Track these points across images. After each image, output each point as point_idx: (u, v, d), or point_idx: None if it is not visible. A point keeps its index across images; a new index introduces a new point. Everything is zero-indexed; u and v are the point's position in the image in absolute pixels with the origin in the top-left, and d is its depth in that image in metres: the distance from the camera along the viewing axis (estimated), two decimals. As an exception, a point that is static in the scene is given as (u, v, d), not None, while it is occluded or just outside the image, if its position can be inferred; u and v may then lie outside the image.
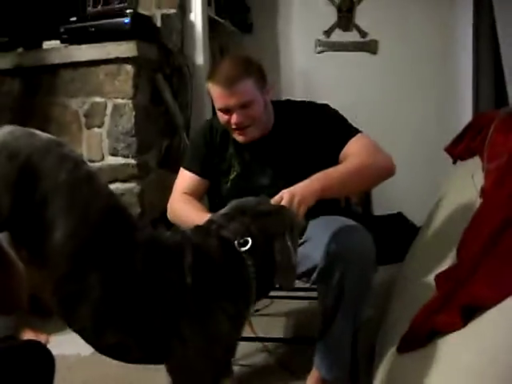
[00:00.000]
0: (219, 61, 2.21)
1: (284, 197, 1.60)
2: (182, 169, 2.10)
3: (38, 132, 1.30)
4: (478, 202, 1.78)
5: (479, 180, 1.90)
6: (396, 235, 3.45)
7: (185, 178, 2.07)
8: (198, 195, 2.04)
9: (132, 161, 2.82)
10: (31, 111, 2.93)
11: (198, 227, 1.46)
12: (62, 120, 2.89)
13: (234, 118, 1.88)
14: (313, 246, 1.83)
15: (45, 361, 1.78)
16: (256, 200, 1.51)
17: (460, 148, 2.49)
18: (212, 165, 2.05)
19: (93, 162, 2.85)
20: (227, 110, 1.89)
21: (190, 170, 2.07)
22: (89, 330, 1.28)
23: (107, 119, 2.84)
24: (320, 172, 1.74)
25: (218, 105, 1.91)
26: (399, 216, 3.85)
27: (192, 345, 1.27)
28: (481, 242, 1.46)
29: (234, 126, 1.91)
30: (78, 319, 1.26)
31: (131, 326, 1.26)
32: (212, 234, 1.38)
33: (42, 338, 2.39)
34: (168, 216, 2.05)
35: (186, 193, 2.03)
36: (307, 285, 1.92)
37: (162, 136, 3.09)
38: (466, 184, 2.05)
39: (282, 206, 1.53)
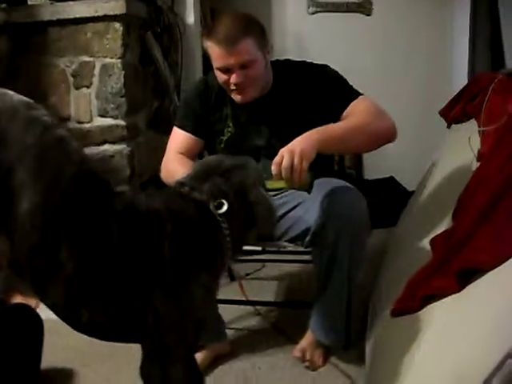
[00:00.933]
0: (218, 18, 2.06)
1: (284, 156, 1.56)
2: (175, 127, 2.04)
3: (9, 92, 1.21)
4: (475, 165, 1.75)
5: (476, 143, 1.87)
6: (387, 199, 3.44)
7: (178, 137, 2.01)
8: (192, 155, 1.99)
9: (121, 122, 2.76)
10: (18, 70, 2.85)
11: (168, 190, 1.39)
12: (49, 80, 2.82)
13: (234, 78, 1.82)
14: (305, 209, 1.81)
15: (33, 324, 1.77)
16: (218, 157, 1.46)
17: (455, 111, 2.45)
18: (206, 124, 2.00)
19: (81, 123, 2.79)
20: (226, 70, 1.83)
21: (184, 129, 2.00)
22: (61, 306, 1.21)
23: (96, 79, 2.77)
24: (319, 127, 1.70)
25: (216, 64, 1.84)
26: (391, 180, 3.83)
27: (166, 319, 1.22)
28: (479, 204, 1.43)
29: (233, 86, 1.86)
30: (50, 295, 1.19)
31: (105, 303, 1.19)
32: (186, 198, 1.31)
33: (31, 302, 2.36)
34: (162, 176, 1.99)
35: (180, 153, 1.97)
36: (299, 248, 1.91)
37: (152, 97, 3.03)
38: (462, 147, 2.02)
39: (247, 158, 1.47)
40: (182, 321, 1.24)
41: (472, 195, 1.55)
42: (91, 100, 2.79)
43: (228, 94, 1.92)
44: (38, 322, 1.79)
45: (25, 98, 1.22)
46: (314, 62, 1.99)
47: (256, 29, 1.84)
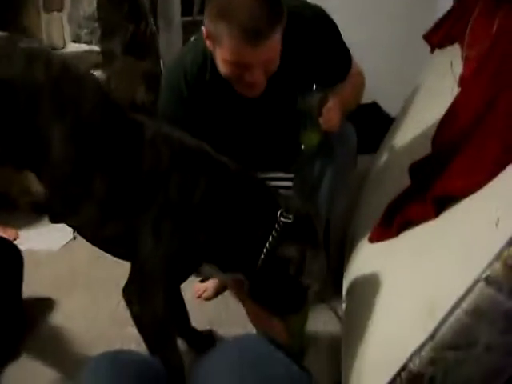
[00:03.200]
0: None
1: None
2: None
3: None
4: (456, 90, 1.72)
5: (458, 68, 1.84)
6: (370, 125, 3.41)
7: None
8: None
9: (96, 48, 2.66)
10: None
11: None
12: (17, 3, 2.69)
13: (254, 77, 1.48)
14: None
15: (12, 255, 1.76)
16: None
17: (440, 35, 2.39)
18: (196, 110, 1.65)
19: (54, 49, 2.68)
20: (242, 65, 1.46)
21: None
22: (91, 224, 1.27)
23: (67, 2, 2.65)
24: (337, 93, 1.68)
25: (230, 57, 1.44)
26: (373, 106, 3.78)
27: (158, 244, 1.24)
28: (457, 131, 1.42)
29: (245, 82, 1.52)
30: (81, 215, 1.25)
31: (128, 217, 1.24)
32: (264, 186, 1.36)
33: (9, 233, 2.36)
34: None
35: None
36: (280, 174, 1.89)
37: (127, 21, 2.91)
38: (444, 72, 1.98)
39: None
40: (171, 256, 1.26)
41: (451, 121, 1.53)
42: (64, 25, 2.67)
43: (232, 84, 1.56)
44: (17, 253, 1.79)
45: (4, 33, 1.23)
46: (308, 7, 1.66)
47: (282, 8, 1.42)
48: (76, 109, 1.19)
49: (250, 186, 1.31)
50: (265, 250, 1.27)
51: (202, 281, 1.97)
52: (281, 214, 1.28)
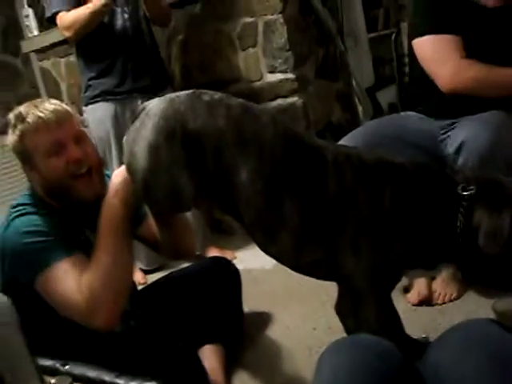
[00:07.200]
0: None
1: None
2: (430, 37, 1.77)
3: (180, 94, 1.31)
4: None
5: None
6: None
7: (445, 43, 1.74)
8: None
9: (290, 75, 2.80)
10: (186, 42, 3.04)
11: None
12: (216, 46, 2.94)
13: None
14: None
15: (231, 273, 1.92)
16: None
17: None
18: None
19: (253, 82, 2.89)
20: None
21: (445, 32, 1.73)
22: (288, 252, 1.30)
23: (260, 38, 2.83)
24: None
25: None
26: None
27: (364, 261, 1.24)
28: None
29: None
30: (278, 245, 1.29)
31: (324, 242, 1.26)
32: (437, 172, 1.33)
33: (227, 254, 2.56)
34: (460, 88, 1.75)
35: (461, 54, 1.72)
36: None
37: (317, 46, 3.02)
38: None
39: None
40: (375, 268, 1.26)
41: None
42: (259, 58, 2.86)
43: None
44: (235, 271, 1.94)
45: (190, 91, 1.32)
46: None
47: None
48: (258, 144, 1.24)
49: (428, 177, 1.28)
50: (459, 230, 1.23)
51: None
52: (462, 189, 1.24)
